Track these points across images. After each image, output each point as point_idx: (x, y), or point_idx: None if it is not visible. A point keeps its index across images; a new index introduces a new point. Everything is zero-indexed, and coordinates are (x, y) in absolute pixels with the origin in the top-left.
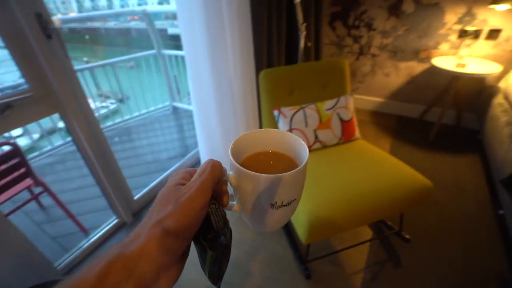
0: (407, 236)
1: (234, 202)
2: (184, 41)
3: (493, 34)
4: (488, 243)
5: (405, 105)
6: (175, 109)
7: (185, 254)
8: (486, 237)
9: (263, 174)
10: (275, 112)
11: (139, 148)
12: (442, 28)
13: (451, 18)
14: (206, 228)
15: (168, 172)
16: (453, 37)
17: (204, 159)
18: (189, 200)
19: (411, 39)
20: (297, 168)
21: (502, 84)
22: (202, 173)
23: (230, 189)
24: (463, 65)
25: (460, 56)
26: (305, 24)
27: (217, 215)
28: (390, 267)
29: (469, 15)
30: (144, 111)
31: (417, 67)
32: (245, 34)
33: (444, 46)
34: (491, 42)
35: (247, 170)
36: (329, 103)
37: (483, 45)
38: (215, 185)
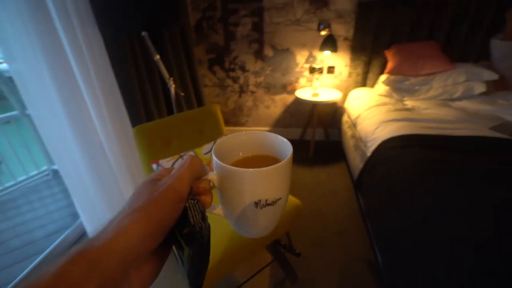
0: (297, 251)
1: (219, 206)
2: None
3: (331, 69)
4: (357, 236)
5: (287, 130)
6: (56, 173)
7: (160, 254)
8: (355, 231)
9: (245, 169)
10: (154, 166)
11: (1, 232)
12: (297, 67)
13: (300, 59)
14: (183, 223)
15: (46, 252)
16: (307, 73)
17: (89, 229)
18: (164, 192)
19: (278, 77)
20: (279, 163)
21: (346, 105)
22: (180, 168)
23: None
24: (317, 94)
25: (315, 87)
26: (172, 78)
27: (195, 210)
28: (289, 284)
29: (311, 57)
30: (9, 183)
31: (288, 98)
32: (110, 91)
33: (302, 80)
34: (331, 75)
35: (229, 166)
36: (206, 147)
37: (327, 77)
38: (197, 183)
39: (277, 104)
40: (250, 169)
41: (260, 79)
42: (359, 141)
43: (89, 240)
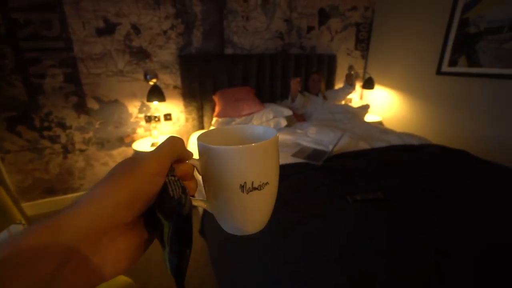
0: None
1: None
2: None
3: (168, 116)
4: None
5: None
6: None
7: (139, 233)
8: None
9: (228, 146)
10: None
11: None
12: (131, 117)
13: (133, 109)
14: (163, 200)
15: None
16: (143, 123)
17: None
18: (141, 164)
19: (111, 130)
20: (263, 141)
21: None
22: (161, 144)
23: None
24: (155, 144)
25: (154, 136)
26: None
27: (175, 185)
28: None
29: (145, 106)
30: None
31: (128, 151)
32: None
33: (140, 130)
34: (169, 122)
35: (210, 145)
36: None
37: (166, 125)
38: (180, 166)
39: (116, 159)
40: (234, 146)
41: (89, 135)
42: (199, 185)
43: (58, 211)
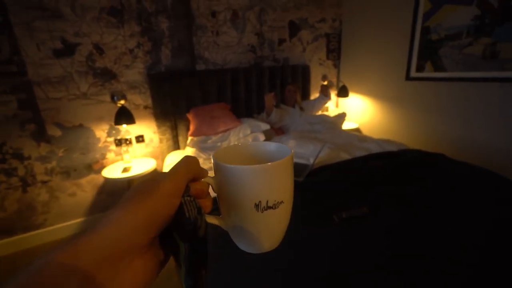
0: None
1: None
2: None
3: (140, 138)
4: None
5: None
6: None
7: (156, 253)
8: None
9: (243, 166)
10: None
11: None
12: (100, 142)
13: (101, 133)
14: (179, 221)
15: None
16: (114, 147)
17: None
18: (158, 186)
19: (77, 157)
20: (278, 161)
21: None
22: (176, 164)
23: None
24: (128, 169)
25: (126, 160)
26: None
27: (191, 205)
28: None
29: (114, 129)
30: None
31: (99, 178)
32: None
33: (110, 155)
34: (142, 144)
35: (227, 165)
36: None
37: (139, 147)
38: (195, 185)
39: (86, 188)
40: (249, 166)
41: (52, 164)
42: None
43: (76, 234)
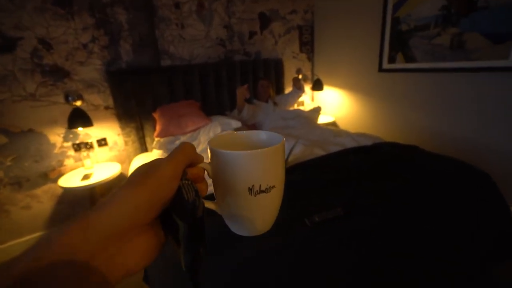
0: None
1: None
2: None
3: (102, 142)
4: None
5: None
6: None
7: (156, 233)
8: None
9: (237, 151)
10: None
11: None
12: (55, 148)
13: (56, 138)
14: (178, 203)
15: None
16: (72, 152)
17: None
18: (159, 169)
19: (29, 166)
20: (270, 147)
21: None
22: (174, 150)
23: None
24: (89, 176)
25: (88, 166)
26: None
27: (189, 188)
28: None
29: (71, 133)
30: None
31: (56, 187)
32: None
33: (69, 162)
34: (106, 148)
35: (220, 150)
36: None
37: (101, 151)
38: (192, 170)
39: (42, 199)
40: (243, 151)
41: None
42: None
43: (85, 211)
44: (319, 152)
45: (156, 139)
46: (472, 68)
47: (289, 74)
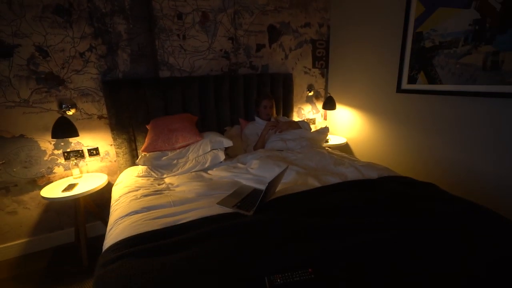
0: None
1: None
2: None
3: (93, 151)
4: None
5: (57, 234)
6: None
7: None
8: None
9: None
10: None
11: None
12: (46, 155)
13: (47, 145)
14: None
15: None
16: (63, 160)
17: None
18: None
19: (18, 171)
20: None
21: None
22: None
23: None
24: (72, 187)
25: (76, 175)
26: None
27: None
28: None
29: (63, 141)
30: None
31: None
32: None
33: (59, 170)
34: (97, 158)
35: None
36: None
37: (92, 161)
38: None
39: (30, 205)
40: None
41: None
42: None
43: None
44: (313, 182)
45: (142, 154)
46: (510, 94)
47: (300, 90)
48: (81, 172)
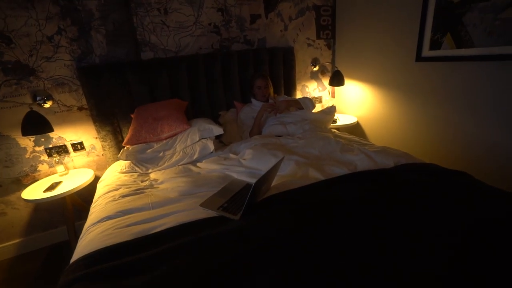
0: None
1: None
2: None
3: (78, 146)
4: None
5: (51, 232)
6: None
7: None
8: None
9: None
10: None
11: None
12: (27, 152)
13: (26, 142)
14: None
15: None
16: (46, 157)
17: None
18: None
19: (0, 171)
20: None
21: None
22: None
23: None
24: (54, 186)
25: (62, 173)
26: None
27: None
28: None
29: (43, 137)
30: None
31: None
32: None
33: (43, 167)
34: (83, 152)
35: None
36: None
37: (78, 156)
38: None
39: (18, 205)
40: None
41: None
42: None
43: None
44: (315, 175)
45: (125, 148)
46: None
47: (303, 65)
48: (67, 168)
